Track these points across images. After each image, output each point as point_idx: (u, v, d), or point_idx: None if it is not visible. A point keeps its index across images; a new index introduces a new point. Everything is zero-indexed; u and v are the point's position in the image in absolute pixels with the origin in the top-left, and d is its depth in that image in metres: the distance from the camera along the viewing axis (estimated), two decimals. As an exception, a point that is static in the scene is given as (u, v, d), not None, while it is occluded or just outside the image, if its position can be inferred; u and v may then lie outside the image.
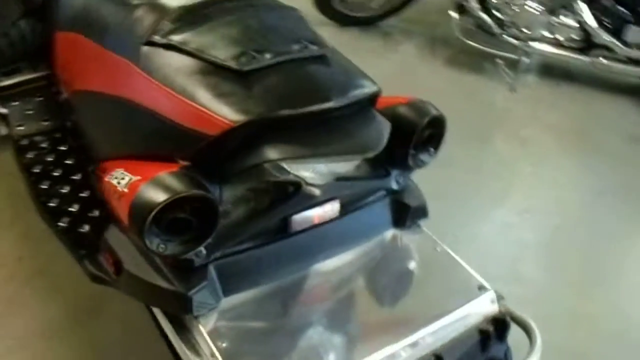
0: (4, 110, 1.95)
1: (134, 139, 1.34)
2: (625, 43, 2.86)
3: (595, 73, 3.06)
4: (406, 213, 1.44)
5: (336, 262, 1.37)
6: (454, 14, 3.04)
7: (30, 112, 1.95)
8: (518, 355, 1.31)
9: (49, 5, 1.78)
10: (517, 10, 2.88)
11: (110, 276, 1.38)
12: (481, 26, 3.00)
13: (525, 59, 2.90)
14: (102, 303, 1.85)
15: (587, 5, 2.85)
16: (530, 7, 2.86)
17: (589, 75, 3.12)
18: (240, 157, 1.15)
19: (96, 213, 1.54)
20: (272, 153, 1.12)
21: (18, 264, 2.01)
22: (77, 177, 1.70)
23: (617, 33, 2.86)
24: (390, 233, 1.45)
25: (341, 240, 1.37)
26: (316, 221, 1.31)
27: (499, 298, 1.34)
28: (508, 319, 1.31)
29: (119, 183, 1.21)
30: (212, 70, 1.21)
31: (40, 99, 1.99)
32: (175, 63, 1.25)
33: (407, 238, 1.44)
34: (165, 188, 1.11)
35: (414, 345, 1.23)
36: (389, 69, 3.17)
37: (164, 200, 1.09)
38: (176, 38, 1.28)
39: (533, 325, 1.31)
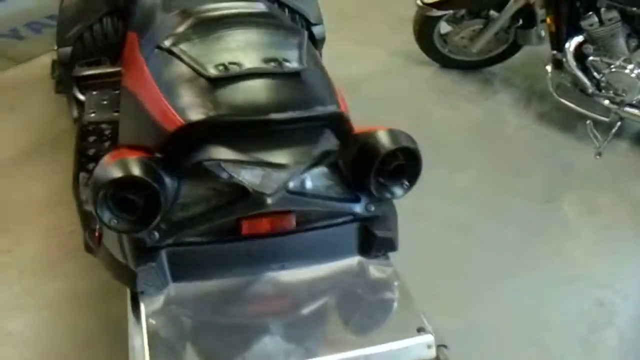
0: (81, 97, 2.20)
1: (133, 131, 1.50)
2: None
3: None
4: (372, 242, 1.45)
5: (290, 275, 1.42)
6: (550, 68, 2.93)
7: (105, 102, 2.16)
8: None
9: (129, 6, 1.98)
10: (615, 72, 2.71)
11: (96, 248, 1.53)
12: (576, 84, 2.85)
13: (617, 124, 2.72)
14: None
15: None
16: (631, 70, 2.68)
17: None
18: (189, 154, 1.25)
19: None
20: (210, 153, 1.22)
21: (69, 236, 2.25)
22: None
23: None
24: (354, 259, 1.46)
25: (298, 255, 1.42)
26: (268, 228, 1.36)
27: (441, 346, 1.30)
28: None
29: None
30: (192, 77, 1.34)
31: (116, 92, 2.22)
32: (169, 67, 1.41)
33: (369, 267, 1.45)
34: (120, 169, 1.24)
35: None
36: (478, 115, 3.13)
37: (113, 178, 1.22)
38: (178, 45, 1.43)
39: None
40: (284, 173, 1.27)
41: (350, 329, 1.33)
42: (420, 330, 1.30)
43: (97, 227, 1.56)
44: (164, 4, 1.70)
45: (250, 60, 1.35)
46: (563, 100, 2.90)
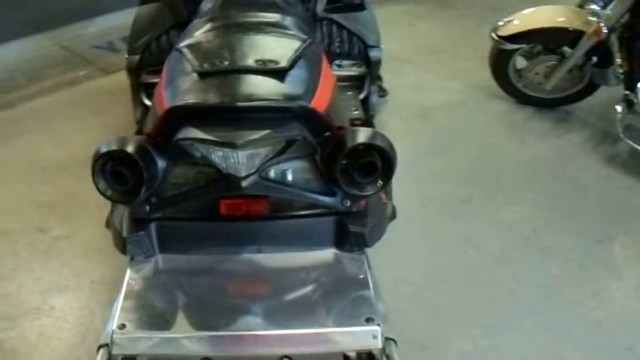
0: (148, 102, 2.44)
1: (150, 118, 1.70)
2: None
3: None
4: (345, 237, 1.51)
5: (265, 258, 1.52)
6: (620, 109, 2.82)
7: None
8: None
9: (191, 19, 2.20)
10: (688, 115, 2.57)
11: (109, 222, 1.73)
12: (646, 126, 2.73)
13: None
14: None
15: None
16: None
17: None
18: (172, 135, 1.41)
19: None
20: (183, 133, 1.37)
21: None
22: None
23: None
24: (329, 251, 1.54)
25: (274, 241, 1.52)
26: (243, 211, 1.48)
27: (389, 339, 1.33)
28: (381, 357, 1.30)
29: None
30: (189, 71, 1.53)
31: None
32: (176, 65, 1.61)
33: (341, 259, 1.52)
34: (114, 144, 1.42)
35: (277, 339, 1.32)
36: (544, 153, 3.07)
37: (105, 151, 1.40)
38: (187, 47, 1.63)
39: None
40: (256, 159, 1.39)
41: (305, 310, 1.41)
42: (369, 320, 1.35)
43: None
44: (201, 13, 1.91)
45: (241, 60, 1.52)
46: (630, 142, 2.78)
